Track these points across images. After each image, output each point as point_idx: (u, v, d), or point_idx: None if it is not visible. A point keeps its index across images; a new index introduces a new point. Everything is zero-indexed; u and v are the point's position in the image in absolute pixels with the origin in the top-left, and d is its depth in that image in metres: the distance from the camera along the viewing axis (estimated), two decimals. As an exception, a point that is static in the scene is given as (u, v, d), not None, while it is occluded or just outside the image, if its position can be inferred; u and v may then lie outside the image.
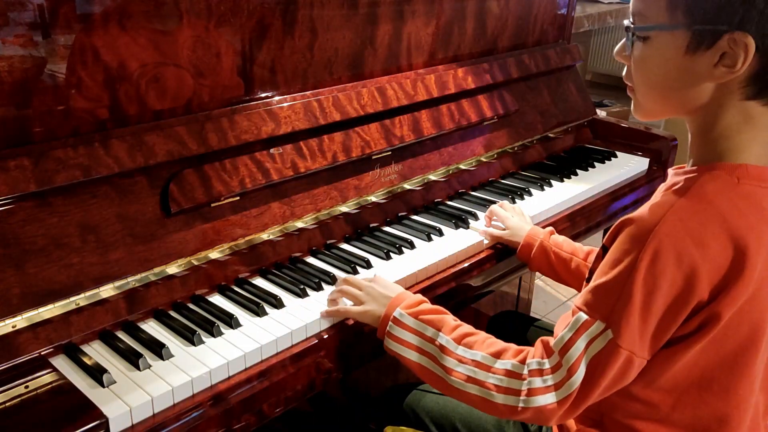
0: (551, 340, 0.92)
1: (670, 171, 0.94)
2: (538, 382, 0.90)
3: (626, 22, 0.90)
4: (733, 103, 0.85)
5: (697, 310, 0.84)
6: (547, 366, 0.90)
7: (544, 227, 1.37)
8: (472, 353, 0.96)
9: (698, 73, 0.84)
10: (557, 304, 2.73)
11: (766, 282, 0.85)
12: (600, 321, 0.86)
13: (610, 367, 0.85)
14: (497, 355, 0.95)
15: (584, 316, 0.88)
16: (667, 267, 0.82)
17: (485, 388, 0.93)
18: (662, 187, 0.91)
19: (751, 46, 0.79)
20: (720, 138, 0.88)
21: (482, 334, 1.00)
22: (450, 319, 1.02)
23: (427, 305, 1.06)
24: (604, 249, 0.91)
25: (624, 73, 0.94)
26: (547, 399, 0.89)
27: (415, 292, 1.21)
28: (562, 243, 1.30)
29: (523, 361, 0.93)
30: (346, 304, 1.12)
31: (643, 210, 0.87)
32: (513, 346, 0.96)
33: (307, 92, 1.36)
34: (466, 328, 1.01)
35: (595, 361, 0.86)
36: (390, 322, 1.03)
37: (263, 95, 1.31)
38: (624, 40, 0.91)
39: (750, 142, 0.87)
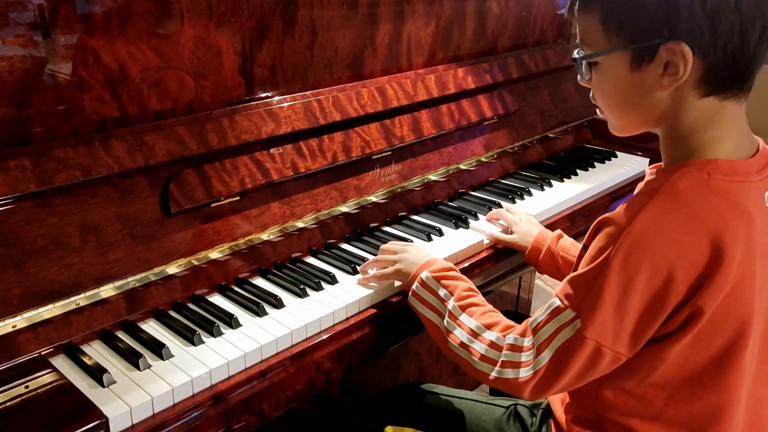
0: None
1: (647, 170, 0.97)
2: (511, 356, 0.96)
3: (575, 53, 0.94)
4: (691, 103, 0.88)
5: (679, 307, 0.86)
6: (523, 344, 0.95)
7: (545, 227, 1.38)
8: (470, 321, 1.03)
9: (648, 85, 0.88)
10: (557, 304, 2.72)
11: (747, 275, 0.86)
12: (570, 310, 0.90)
13: (577, 356, 0.89)
14: (489, 326, 1.01)
15: (558, 302, 0.92)
16: (641, 267, 0.84)
17: (471, 354, 1.01)
18: (639, 185, 0.94)
19: (688, 52, 0.83)
20: (687, 138, 0.90)
21: (487, 306, 1.06)
22: (465, 286, 1.09)
23: (454, 272, 1.14)
24: (585, 248, 0.94)
25: (591, 95, 0.98)
26: (517, 373, 0.94)
27: (415, 292, 1.23)
28: (569, 247, 1.30)
29: (505, 334, 0.99)
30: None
31: (619, 208, 0.90)
32: (505, 321, 1.02)
33: (307, 92, 1.36)
34: (476, 298, 1.07)
35: (563, 348, 0.90)
36: (416, 282, 1.13)
37: (263, 95, 1.31)
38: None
39: (718, 139, 0.89)
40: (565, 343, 0.89)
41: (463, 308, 1.05)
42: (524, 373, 0.93)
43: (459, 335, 1.03)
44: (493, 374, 0.97)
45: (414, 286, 1.13)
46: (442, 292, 1.09)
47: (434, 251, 1.31)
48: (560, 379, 0.91)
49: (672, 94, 0.88)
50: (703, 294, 0.84)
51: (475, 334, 1.01)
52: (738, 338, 0.89)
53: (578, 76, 0.96)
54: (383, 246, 1.25)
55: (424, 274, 1.12)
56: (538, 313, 0.95)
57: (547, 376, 0.92)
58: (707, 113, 0.89)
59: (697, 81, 0.86)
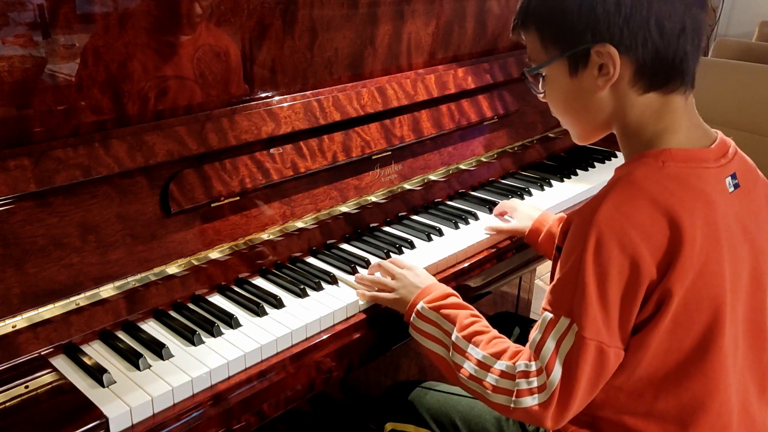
0: None
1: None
2: (524, 384, 0.93)
3: (524, 70, 1.01)
4: (633, 100, 0.93)
5: (651, 290, 0.88)
6: (533, 368, 0.92)
7: None
8: (477, 352, 0.99)
9: (588, 88, 0.94)
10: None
11: (713, 257, 0.89)
12: (564, 317, 0.90)
13: (583, 361, 0.88)
14: (497, 355, 0.97)
15: (549, 315, 0.92)
16: (611, 252, 0.86)
17: (483, 387, 0.97)
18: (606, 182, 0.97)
19: (614, 53, 0.89)
20: (638, 132, 0.95)
21: (492, 333, 1.02)
22: (466, 315, 1.06)
23: (453, 299, 1.10)
24: (558, 249, 0.96)
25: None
26: (534, 400, 0.92)
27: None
28: None
29: (515, 362, 0.95)
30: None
31: (583, 205, 0.93)
32: (513, 347, 0.98)
33: (307, 92, 1.36)
34: (479, 325, 1.03)
35: (569, 357, 0.89)
36: (413, 314, 1.09)
37: (263, 95, 1.31)
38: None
39: (669, 130, 0.93)
40: (569, 352, 0.89)
41: (469, 338, 1.01)
42: (541, 398, 0.91)
43: (468, 368, 0.99)
44: (512, 405, 0.93)
45: (412, 319, 1.09)
46: (444, 323, 1.06)
47: (434, 251, 1.31)
48: (575, 392, 0.90)
49: (612, 94, 0.93)
50: (671, 275, 0.87)
51: (484, 366, 0.97)
52: (714, 323, 0.91)
53: (535, 93, 1.02)
54: (382, 263, 1.20)
55: (420, 306, 1.08)
56: (533, 334, 0.94)
57: (562, 395, 0.90)
58: (652, 108, 0.93)
59: (631, 79, 0.91)
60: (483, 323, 1.04)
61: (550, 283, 0.97)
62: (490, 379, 0.96)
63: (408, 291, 1.13)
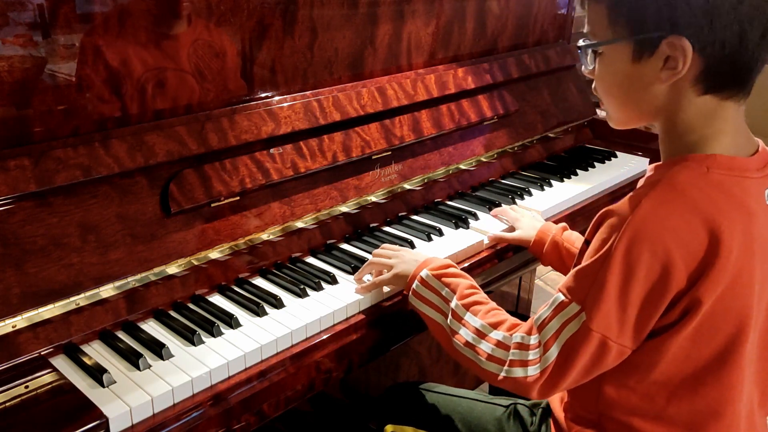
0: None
1: (648, 167, 0.98)
2: (519, 355, 0.95)
3: (580, 41, 0.96)
4: (689, 100, 0.90)
5: (678, 298, 0.87)
6: (531, 341, 0.94)
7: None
8: (474, 320, 1.02)
9: (647, 78, 0.90)
10: (557, 304, 2.72)
11: (745, 269, 0.87)
12: (575, 303, 0.90)
13: (583, 350, 0.89)
14: (495, 325, 1.00)
15: (562, 297, 0.92)
16: (642, 255, 0.85)
17: (477, 354, 0.99)
18: (642, 179, 0.95)
19: (688, 48, 0.85)
20: (686, 133, 0.92)
21: (491, 304, 1.05)
22: (466, 284, 1.08)
23: (453, 269, 1.12)
24: (587, 243, 0.94)
25: (593, 87, 0.99)
26: (526, 371, 0.93)
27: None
28: (574, 240, 1.31)
29: (511, 333, 0.98)
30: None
31: (620, 202, 0.91)
32: (511, 319, 1.01)
33: (307, 92, 1.36)
34: (478, 296, 1.06)
35: (570, 343, 0.90)
36: (416, 281, 1.11)
37: (263, 95, 1.31)
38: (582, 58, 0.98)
39: (717, 135, 0.90)
40: (572, 337, 0.90)
41: (467, 307, 1.04)
42: (533, 371, 0.93)
43: (464, 335, 1.02)
44: (502, 374, 0.96)
45: (414, 285, 1.11)
46: (444, 291, 1.08)
47: (434, 251, 1.31)
48: (568, 375, 0.91)
49: (670, 89, 0.90)
50: (702, 285, 0.85)
51: (481, 334, 1.00)
52: (738, 335, 0.89)
53: (582, 66, 0.98)
54: (375, 251, 1.23)
55: (424, 273, 1.11)
56: (542, 310, 0.95)
57: (554, 373, 0.92)
58: (705, 111, 0.90)
59: (695, 78, 0.88)
60: (482, 295, 1.07)
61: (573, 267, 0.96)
62: (485, 347, 0.98)
63: (408, 265, 1.15)
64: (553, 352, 0.91)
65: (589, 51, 0.94)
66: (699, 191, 0.87)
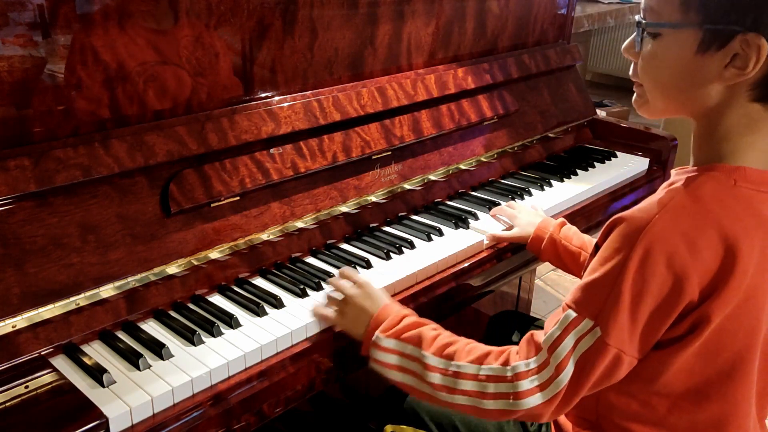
0: (540, 337, 0.91)
1: (673, 171, 0.94)
2: (525, 384, 0.89)
3: (638, 17, 0.89)
4: (739, 104, 0.85)
5: (687, 312, 0.84)
6: (533, 366, 0.89)
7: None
8: (455, 364, 0.94)
9: (708, 73, 0.84)
10: (557, 304, 2.72)
11: (759, 288, 0.85)
12: (588, 319, 0.86)
13: (598, 365, 0.86)
14: (479, 361, 0.93)
15: (573, 314, 0.88)
16: (657, 267, 0.82)
17: (473, 397, 0.92)
18: (663, 186, 0.91)
19: (764, 48, 0.79)
20: (722, 140, 0.87)
21: (462, 341, 0.97)
22: (428, 330, 0.99)
23: (409, 319, 1.02)
24: (597, 247, 0.91)
25: (631, 70, 0.93)
26: (536, 399, 0.88)
27: (414, 293, 1.22)
28: (572, 236, 1.29)
29: (505, 363, 0.91)
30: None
31: (635, 208, 0.87)
32: (494, 349, 0.94)
33: (307, 92, 1.36)
34: (446, 337, 0.98)
35: (584, 358, 0.86)
36: (371, 347, 1.02)
37: (263, 95, 1.31)
38: (634, 35, 0.90)
39: (751, 146, 0.87)
40: (586, 353, 0.86)
41: (438, 353, 0.95)
42: (544, 396, 0.88)
43: (449, 383, 0.94)
44: (511, 407, 0.89)
45: (371, 351, 1.01)
46: (409, 349, 0.97)
47: (434, 251, 1.31)
48: (579, 392, 0.88)
49: (726, 90, 0.85)
50: (713, 302, 0.83)
51: (470, 376, 0.92)
52: (746, 352, 0.87)
53: (625, 44, 0.91)
54: (341, 270, 1.15)
55: (375, 337, 1.00)
56: (551, 330, 0.89)
57: (569, 392, 0.87)
58: (749, 119, 0.85)
59: (755, 83, 0.83)
60: (447, 333, 0.99)
61: (582, 277, 0.92)
62: (479, 386, 0.92)
63: (359, 322, 1.04)
64: (568, 371, 0.86)
65: (646, 31, 0.86)
66: (722, 206, 0.84)
